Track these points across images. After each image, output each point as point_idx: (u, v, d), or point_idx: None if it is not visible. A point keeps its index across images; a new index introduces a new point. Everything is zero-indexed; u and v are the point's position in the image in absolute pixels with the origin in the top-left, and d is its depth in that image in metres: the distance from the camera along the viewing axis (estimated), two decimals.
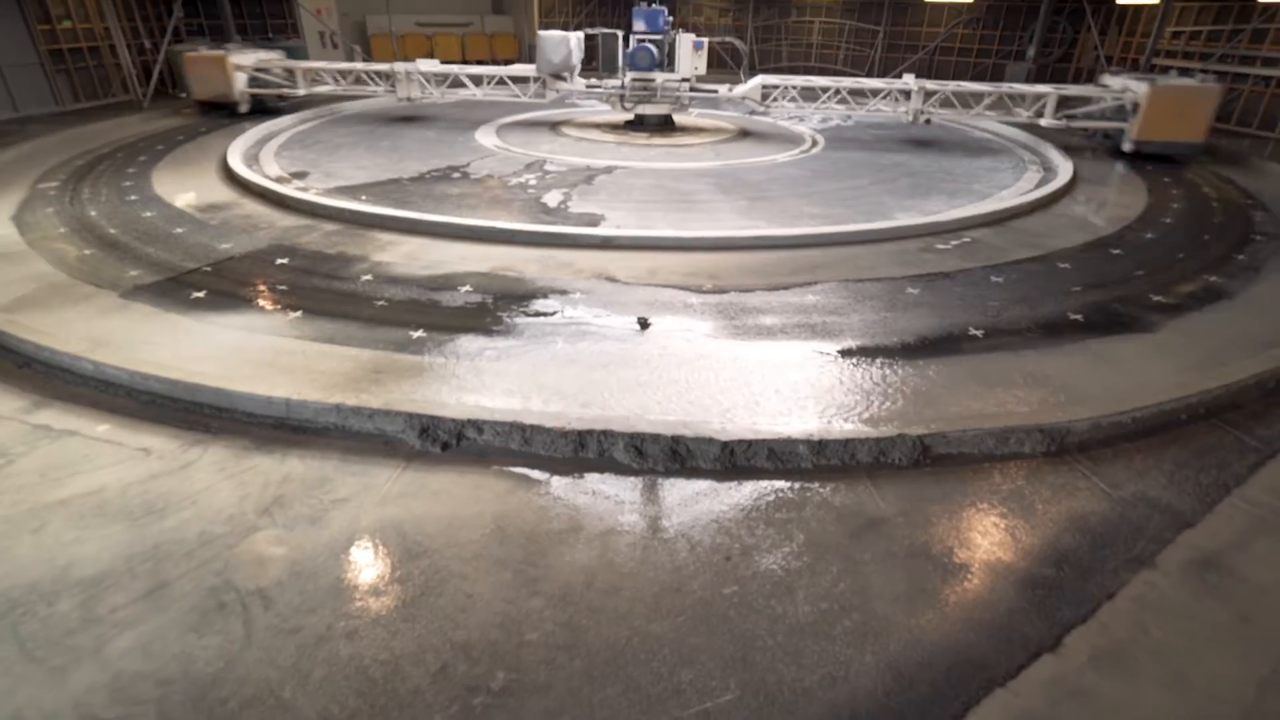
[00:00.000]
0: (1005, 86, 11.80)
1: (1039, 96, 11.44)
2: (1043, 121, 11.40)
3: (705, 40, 12.28)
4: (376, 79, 13.12)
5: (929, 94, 11.76)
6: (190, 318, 5.25)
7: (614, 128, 13.06)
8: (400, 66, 12.82)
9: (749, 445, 3.76)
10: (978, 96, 11.81)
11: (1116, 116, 11.39)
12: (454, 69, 12.88)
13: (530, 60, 21.19)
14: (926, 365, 4.72)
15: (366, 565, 3.12)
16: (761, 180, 9.65)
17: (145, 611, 2.84)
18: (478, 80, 12.96)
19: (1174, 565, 3.22)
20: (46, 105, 14.36)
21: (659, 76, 12.24)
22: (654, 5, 12.13)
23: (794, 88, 12.02)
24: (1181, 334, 5.33)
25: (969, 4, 20.40)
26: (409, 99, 13.07)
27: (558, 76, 12.49)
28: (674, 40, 12.11)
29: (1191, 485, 3.77)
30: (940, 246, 7.11)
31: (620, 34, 12.30)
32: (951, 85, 11.86)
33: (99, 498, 3.49)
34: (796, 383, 4.47)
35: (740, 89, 12.18)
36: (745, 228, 7.44)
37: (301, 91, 13.43)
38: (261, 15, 19.69)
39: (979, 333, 5.22)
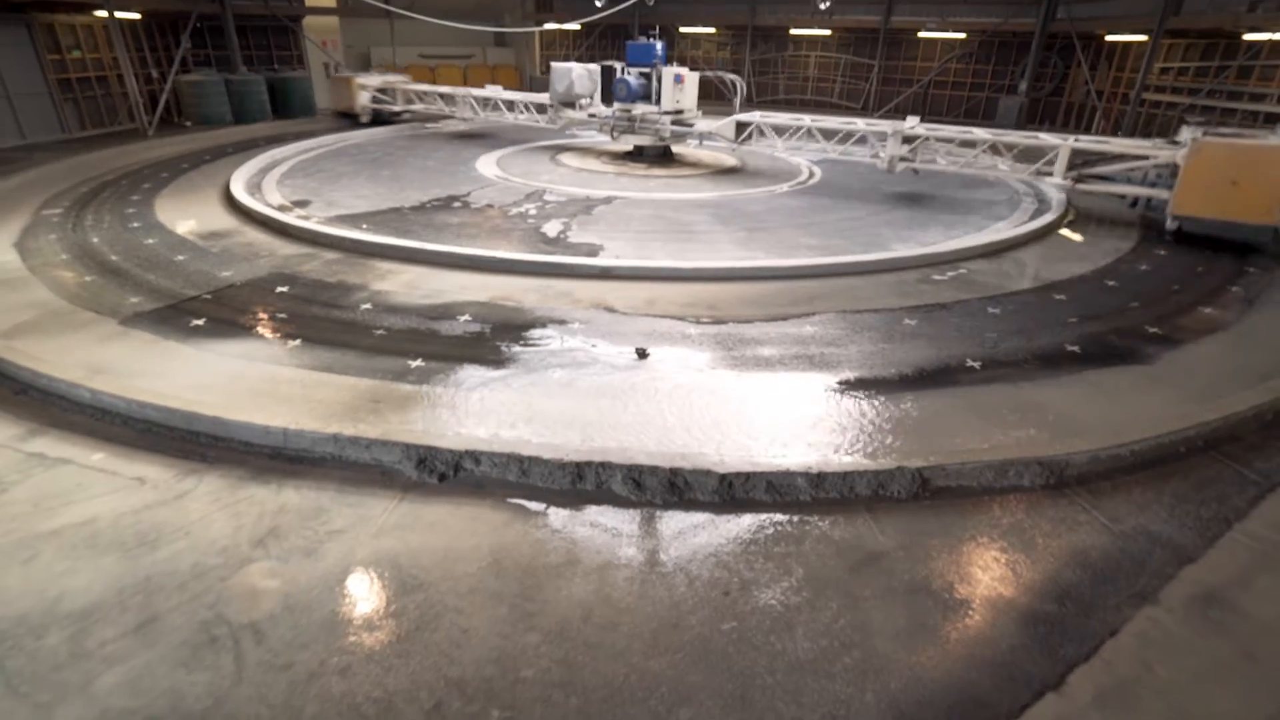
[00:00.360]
0: (1015, 137, 9.80)
1: (1047, 149, 9.42)
2: (1049, 181, 9.58)
3: (683, 73, 12.38)
4: (441, 100, 15.51)
5: (909, 139, 10.31)
6: (189, 345, 5.25)
7: (614, 158, 13.24)
8: (460, 91, 15.15)
9: (747, 478, 3.75)
10: (971, 144, 10.25)
11: (1166, 181, 8.83)
12: (498, 94, 14.57)
13: (532, 91, 21.57)
14: (924, 397, 4.73)
15: (361, 599, 3.08)
16: (759, 211, 9.74)
17: (135, 646, 2.80)
18: (511, 105, 14.52)
19: (1177, 601, 3.19)
20: (53, 133, 14.53)
21: (638, 108, 12.45)
22: (649, 39, 12.36)
23: (770, 126, 11.60)
24: (1178, 366, 5.36)
25: (961, 39, 20.84)
26: (465, 119, 15.25)
27: (567, 105, 12.88)
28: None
29: (1192, 519, 3.75)
30: (937, 278, 7.16)
31: (619, 66, 12.54)
32: (948, 129, 10.40)
33: (91, 528, 3.45)
34: (794, 414, 4.47)
35: (715, 125, 12.14)
36: (743, 259, 7.49)
37: (398, 108, 16.12)
38: (268, 46, 20.02)
39: (976, 364, 5.23)
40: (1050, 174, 9.44)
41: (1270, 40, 13.25)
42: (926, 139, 10.37)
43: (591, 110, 13.00)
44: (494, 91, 14.62)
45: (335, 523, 3.52)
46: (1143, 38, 15.99)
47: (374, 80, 16.12)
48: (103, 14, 14.70)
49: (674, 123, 12.50)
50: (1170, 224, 8.62)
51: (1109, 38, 17.75)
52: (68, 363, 4.89)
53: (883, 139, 10.55)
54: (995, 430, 4.33)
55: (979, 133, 10.24)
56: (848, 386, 4.86)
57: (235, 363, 4.99)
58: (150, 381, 4.64)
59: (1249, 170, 7.97)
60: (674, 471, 3.76)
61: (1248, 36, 13.74)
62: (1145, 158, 8.95)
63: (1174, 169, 8.56)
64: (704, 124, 12.44)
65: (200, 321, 5.68)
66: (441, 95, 15.33)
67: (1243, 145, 8.11)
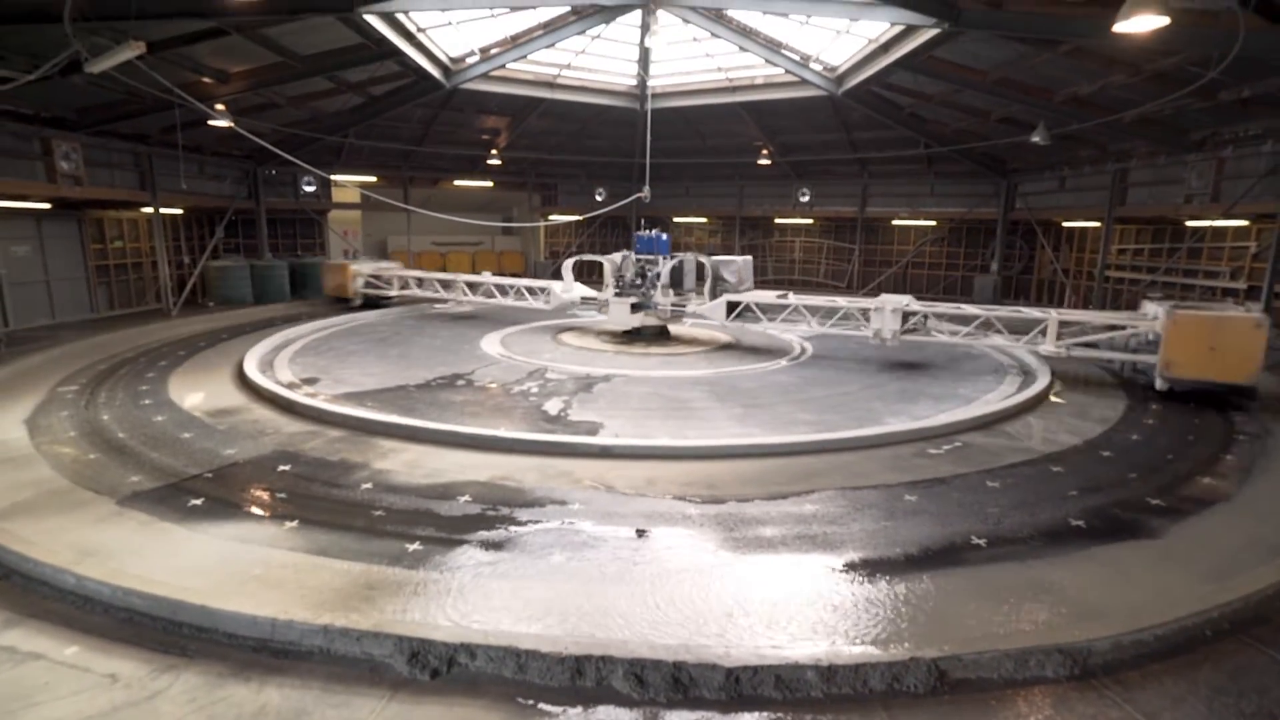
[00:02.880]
0: (1003, 311, 10.78)
1: (1035, 322, 10.15)
2: (1042, 349, 9.99)
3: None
4: (438, 285, 16.33)
5: (908, 315, 10.81)
6: (184, 527, 5.19)
7: (613, 337, 13.82)
8: (452, 276, 16.29)
9: (755, 672, 3.55)
10: (966, 319, 10.67)
11: (1146, 348, 9.64)
12: (488, 280, 15.64)
13: (535, 275, 22.96)
14: (933, 578, 4.60)
15: None
16: (754, 388, 10.02)
17: None
18: (503, 289, 15.27)
19: None
20: (82, 313, 15.34)
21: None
22: (653, 232, 13.52)
23: (756, 305, 12.09)
24: (1187, 540, 5.27)
25: (933, 225, 22.75)
26: (459, 301, 16.26)
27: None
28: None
29: (1234, 714, 3.50)
30: (933, 451, 7.23)
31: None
32: (943, 306, 11.34)
33: None
34: (800, 600, 4.32)
35: (706, 306, 12.73)
36: (741, 436, 7.60)
37: (393, 293, 16.79)
38: (294, 235, 21.77)
39: (982, 541, 5.15)
40: (1042, 343, 10.07)
41: (1211, 226, 14.51)
42: (924, 315, 10.99)
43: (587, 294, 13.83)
44: (485, 277, 15.81)
45: None
46: (1096, 224, 17.50)
47: (367, 267, 17.15)
48: (149, 210, 16.15)
49: (672, 305, 13.35)
50: (1160, 384, 9.35)
51: (1065, 224, 19.40)
52: (57, 545, 4.81)
53: (878, 313, 10.96)
54: (1009, 614, 4.17)
55: (969, 309, 10.95)
56: (853, 568, 4.74)
57: (229, 545, 4.90)
58: (140, 565, 4.54)
59: (1224, 338, 8.87)
60: (677, 665, 3.57)
61: (1189, 223, 15.05)
62: (1123, 327, 9.87)
63: (1156, 337, 9.38)
64: (696, 305, 13.15)
65: (199, 501, 5.65)
66: (439, 281, 16.35)
67: (1212, 317, 8.99)
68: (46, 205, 14.01)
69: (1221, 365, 8.81)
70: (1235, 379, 8.83)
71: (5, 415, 7.93)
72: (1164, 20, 6.84)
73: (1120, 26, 7.01)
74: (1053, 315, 10.04)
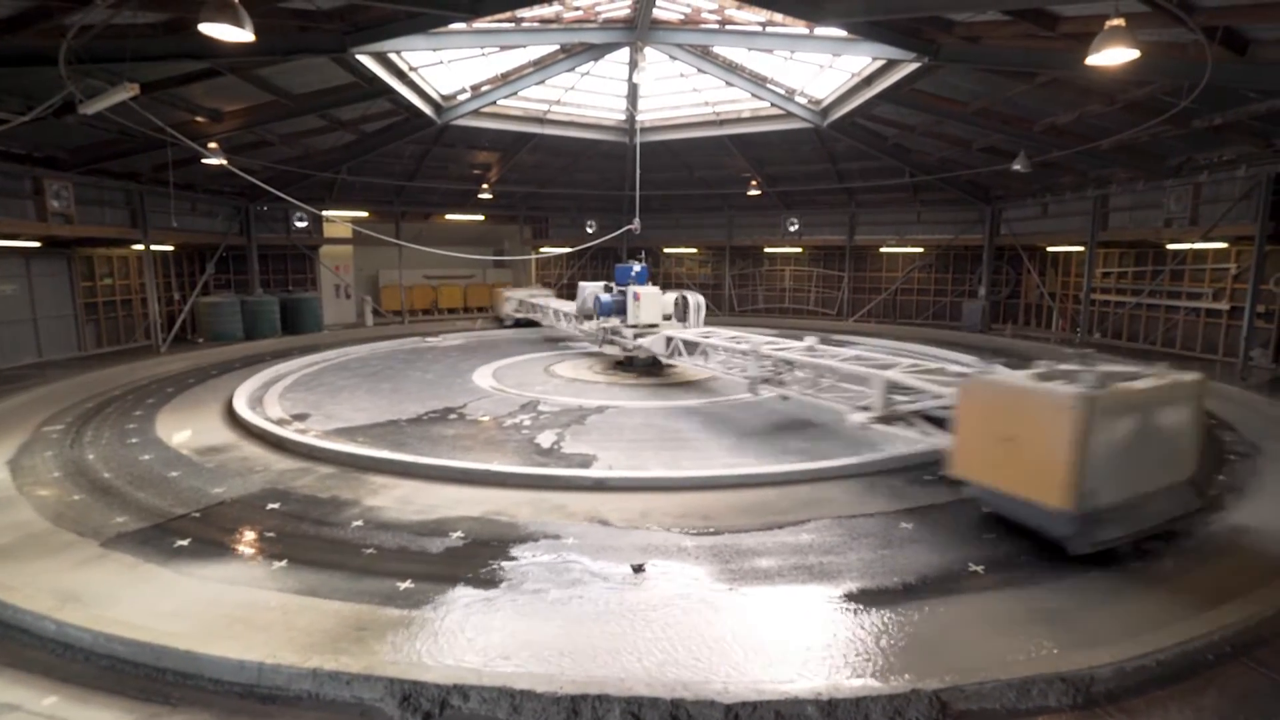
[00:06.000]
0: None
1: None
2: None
3: (640, 291, 13.16)
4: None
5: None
6: (169, 569, 5.08)
7: (605, 368, 13.81)
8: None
9: (754, 708, 3.48)
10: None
11: None
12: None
13: None
14: (932, 607, 4.55)
15: None
16: (748, 417, 9.99)
17: None
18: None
19: None
20: (70, 351, 15.19)
21: (612, 321, 13.45)
22: (631, 261, 13.65)
23: (708, 344, 10.85)
24: (1185, 562, 5.25)
25: (920, 253, 23.01)
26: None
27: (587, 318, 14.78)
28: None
29: None
30: (927, 478, 7.20)
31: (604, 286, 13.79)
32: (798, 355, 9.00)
33: None
34: (798, 632, 4.26)
35: (647, 340, 12.65)
36: (735, 465, 7.54)
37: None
38: (285, 270, 21.77)
39: (979, 568, 5.11)
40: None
41: (1191, 249, 14.77)
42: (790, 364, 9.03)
43: (583, 327, 13.82)
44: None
45: None
46: (1080, 248, 17.76)
47: (520, 293, 21.05)
48: (139, 247, 16.13)
49: (636, 335, 13.11)
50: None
51: (1050, 249, 19.68)
52: (37, 591, 4.69)
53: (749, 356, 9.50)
54: (1009, 642, 4.12)
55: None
56: (851, 599, 4.69)
57: (216, 587, 4.80)
58: (123, 610, 4.43)
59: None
60: (675, 703, 3.50)
61: (1170, 246, 15.31)
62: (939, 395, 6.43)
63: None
64: (647, 340, 12.71)
65: (185, 542, 5.54)
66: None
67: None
68: (36, 244, 13.98)
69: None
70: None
71: None
72: (1135, 53, 7.01)
73: (1093, 59, 7.19)
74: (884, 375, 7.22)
